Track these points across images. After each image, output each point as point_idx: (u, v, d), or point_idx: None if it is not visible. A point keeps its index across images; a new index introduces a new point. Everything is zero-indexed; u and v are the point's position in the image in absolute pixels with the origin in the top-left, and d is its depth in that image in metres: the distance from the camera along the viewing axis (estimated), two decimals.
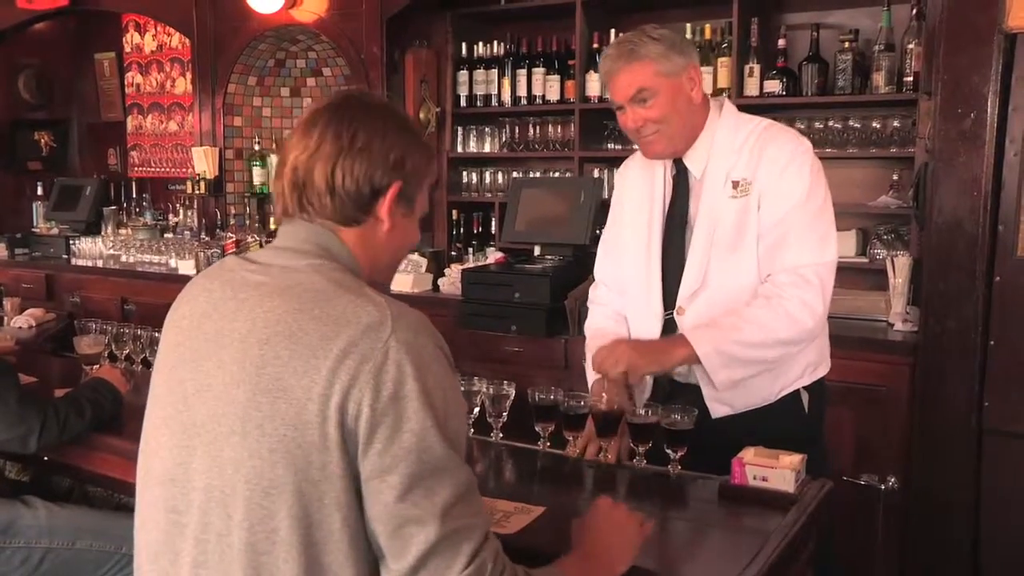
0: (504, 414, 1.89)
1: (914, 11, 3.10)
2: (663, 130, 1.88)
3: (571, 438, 1.84)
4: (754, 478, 1.61)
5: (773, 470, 1.60)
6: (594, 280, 2.18)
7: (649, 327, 1.96)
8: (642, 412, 1.74)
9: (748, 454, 1.64)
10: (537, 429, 1.87)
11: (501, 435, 1.90)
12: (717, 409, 1.88)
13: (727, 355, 1.80)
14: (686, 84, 1.87)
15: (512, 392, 1.88)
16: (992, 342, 2.60)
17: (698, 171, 1.93)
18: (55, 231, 5.20)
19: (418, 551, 1.03)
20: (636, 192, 2.04)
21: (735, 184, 1.87)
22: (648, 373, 1.88)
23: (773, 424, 1.87)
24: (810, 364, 1.94)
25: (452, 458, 1.06)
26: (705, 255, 1.88)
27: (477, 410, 1.89)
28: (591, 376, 1.97)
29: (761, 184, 1.85)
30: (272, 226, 4.42)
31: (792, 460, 1.62)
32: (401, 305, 1.11)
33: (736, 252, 1.87)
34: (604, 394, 1.80)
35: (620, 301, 2.08)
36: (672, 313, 1.93)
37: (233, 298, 1.15)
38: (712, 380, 1.82)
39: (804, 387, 1.94)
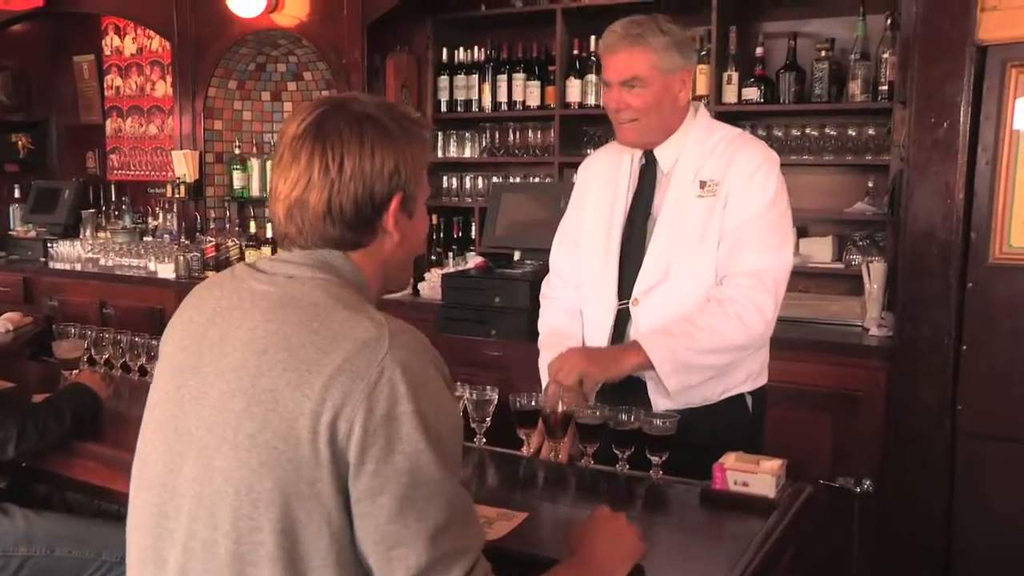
0: (487, 419, 1.90)
1: (888, 21, 3.15)
2: (640, 121, 1.91)
3: (524, 436, 1.86)
4: (735, 483, 1.62)
5: (754, 475, 1.61)
6: (549, 271, 2.18)
7: (602, 317, 1.98)
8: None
9: (729, 459, 1.65)
10: (521, 435, 1.88)
11: (484, 440, 1.91)
12: (660, 403, 1.89)
13: (680, 361, 1.83)
14: (677, 84, 1.91)
15: (495, 397, 1.89)
16: (965, 347, 2.65)
17: (667, 165, 1.97)
18: (32, 234, 5.15)
19: (406, 574, 1.02)
20: (600, 181, 2.08)
21: (703, 184, 1.91)
22: (602, 381, 1.88)
23: (719, 423, 1.90)
24: (751, 374, 1.97)
25: (446, 480, 1.04)
26: (667, 248, 1.92)
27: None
28: (545, 376, 1.97)
29: (729, 187, 1.89)
30: (257, 230, 4.40)
31: (772, 465, 1.63)
32: (400, 323, 1.09)
33: (699, 249, 1.90)
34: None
35: (575, 294, 2.09)
36: (627, 303, 1.95)
37: (239, 307, 1.14)
38: (665, 385, 1.84)
39: (747, 392, 1.98)
